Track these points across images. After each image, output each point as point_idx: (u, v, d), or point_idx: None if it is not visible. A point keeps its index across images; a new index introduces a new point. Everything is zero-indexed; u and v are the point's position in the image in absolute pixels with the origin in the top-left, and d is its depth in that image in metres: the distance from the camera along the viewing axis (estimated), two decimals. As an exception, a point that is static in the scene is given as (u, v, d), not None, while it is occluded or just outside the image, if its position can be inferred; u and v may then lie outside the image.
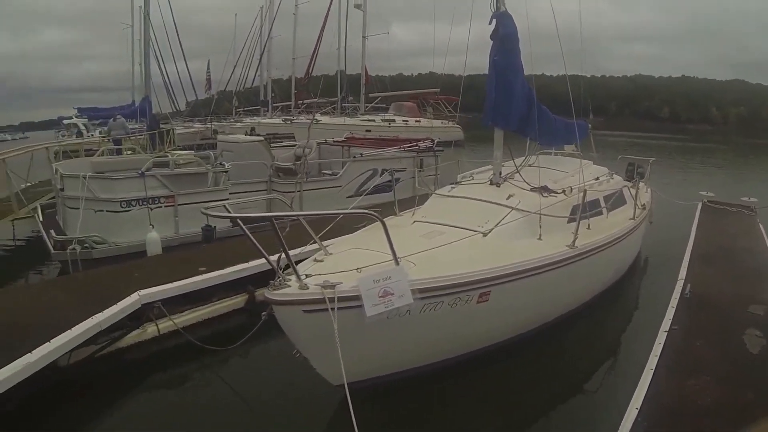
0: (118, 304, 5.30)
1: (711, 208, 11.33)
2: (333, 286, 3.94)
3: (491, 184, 6.99)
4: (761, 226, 9.83)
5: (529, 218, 5.83)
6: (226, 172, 8.53)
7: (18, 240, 10.25)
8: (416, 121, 22.69)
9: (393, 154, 11.74)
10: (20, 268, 8.89)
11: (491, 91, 6.79)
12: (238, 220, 3.73)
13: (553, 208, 6.07)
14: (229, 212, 3.94)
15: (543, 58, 7.22)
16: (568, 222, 6.09)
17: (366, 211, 4.14)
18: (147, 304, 5.58)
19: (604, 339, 6.40)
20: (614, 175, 8.39)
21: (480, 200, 6.37)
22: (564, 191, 6.63)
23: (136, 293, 5.53)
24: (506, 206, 6.05)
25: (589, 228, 6.26)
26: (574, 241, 5.64)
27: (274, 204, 8.07)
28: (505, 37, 6.58)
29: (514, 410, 4.89)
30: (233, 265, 6.48)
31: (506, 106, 6.85)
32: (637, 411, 3.73)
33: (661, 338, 4.87)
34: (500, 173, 7.10)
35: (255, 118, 30.49)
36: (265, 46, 31.71)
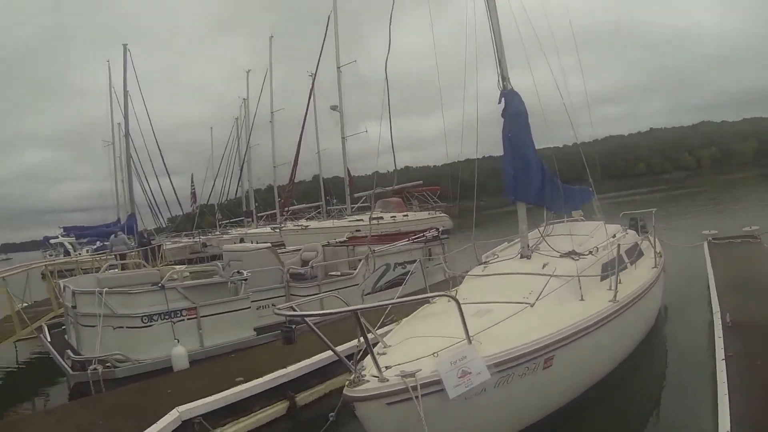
0: (158, 423, 4.81)
1: (717, 244, 11.62)
2: (413, 375, 3.87)
3: (522, 257, 7.08)
4: None
5: (568, 283, 5.96)
6: (245, 280, 8.34)
7: (21, 362, 9.71)
8: (404, 216, 22.81)
9: (404, 247, 11.74)
10: (30, 391, 8.29)
11: (509, 167, 7.09)
12: (306, 319, 3.87)
13: (586, 270, 6.25)
14: (296, 311, 3.93)
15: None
16: (602, 280, 6.33)
17: (443, 293, 4.16)
18: (187, 421, 5.08)
19: (660, 383, 6.40)
20: (628, 230, 8.64)
21: (518, 273, 6.44)
22: (591, 252, 6.83)
23: (174, 410, 5.05)
24: (545, 275, 6.12)
25: (620, 282, 6.31)
26: (615, 295, 5.86)
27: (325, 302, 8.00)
28: (515, 115, 7.03)
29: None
30: (270, 373, 6.11)
31: (524, 180, 7.14)
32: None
33: (722, 366, 5.03)
34: (528, 245, 7.18)
35: (240, 229, 30.63)
36: (244, 156, 32.69)
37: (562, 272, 6.11)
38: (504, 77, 7.15)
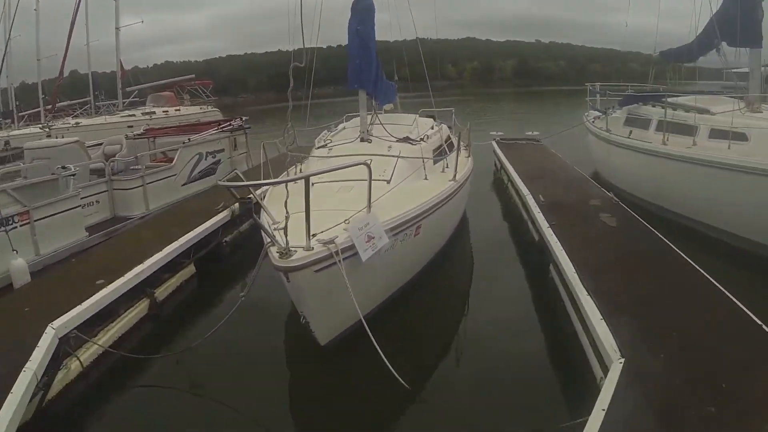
0: (38, 347, 4.14)
1: (504, 144, 13.82)
2: (333, 242, 4.25)
3: (362, 140, 7.69)
4: (552, 150, 12.77)
5: (412, 163, 6.81)
6: (74, 175, 7.09)
7: None
8: (176, 110, 21.63)
9: (214, 136, 11.44)
10: None
11: (356, 57, 7.42)
12: (251, 189, 3.99)
13: (423, 154, 7.12)
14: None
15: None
16: (435, 163, 7.33)
17: (362, 162, 4.48)
18: (63, 337, 4.53)
19: (494, 247, 8.27)
20: (442, 124, 9.93)
21: (371, 155, 6.81)
22: (422, 139, 7.76)
23: (48, 328, 4.40)
24: (393, 156, 6.85)
25: (448, 166, 7.53)
26: (455, 175, 6.90)
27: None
28: (365, 9, 7.30)
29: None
30: (129, 270, 5.75)
31: (367, 71, 7.61)
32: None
33: (550, 232, 6.37)
34: (368, 130, 7.85)
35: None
36: (6, 48, 24.91)
37: (406, 154, 6.95)
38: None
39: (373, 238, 4.53)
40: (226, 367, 5.01)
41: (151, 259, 6.12)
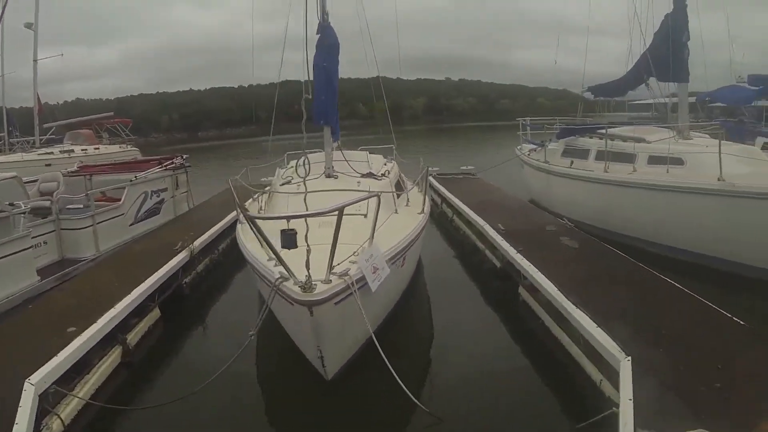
0: (21, 406, 3.71)
1: (442, 178, 14.17)
2: (347, 274, 4.31)
3: (328, 176, 7.73)
4: (491, 183, 13.23)
5: (384, 198, 6.95)
6: (24, 213, 6.40)
7: None
8: (95, 149, 20.53)
9: (158, 175, 10.97)
10: None
11: (321, 93, 7.54)
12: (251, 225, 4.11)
13: (386, 189, 7.27)
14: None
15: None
16: (398, 197, 7.45)
17: (376, 192, 4.51)
18: (42, 394, 4.05)
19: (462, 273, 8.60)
20: (393, 160, 10.05)
21: (341, 190, 6.91)
22: (384, 174, 8.00)
23: (25, 384, 3.91)
24: (364, 191, 6.97)
25: (408, 200, 7.70)
26: (423, 208, 7.19)
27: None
28: (331, 47, 7.50)
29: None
30: (99, 316, 5.28)
31: (332, 107, 7.78)
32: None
33: (520, 257, 6.71)
34: (332, 167, 7.89)
35: None
36: None
37: (377, 189, 6.94)
38: (324, 11, 7.51)
39: (378, 269, 4.62)
40: (231, 410, 4.75)
41: (121, 303, 5.68)
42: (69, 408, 4.34)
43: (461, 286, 8.06)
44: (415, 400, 4.31)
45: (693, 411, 3.36)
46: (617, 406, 3.66)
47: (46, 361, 4.29)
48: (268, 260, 4.75)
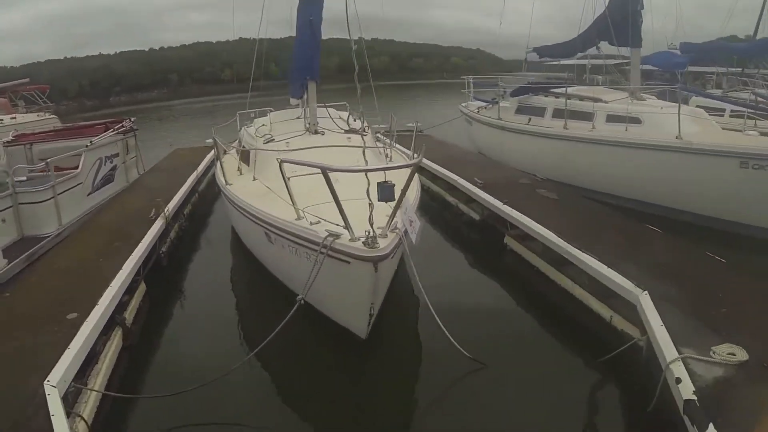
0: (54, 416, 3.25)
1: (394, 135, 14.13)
2: (396, 228, 4.35)
3: (316, 133, 7.51)
4: (442, 140, 13.20)
5: (375, 151, 7.04)
6: None
7: None
8: (12, 118, 18.12)
9: (110, 139, 10.06)
10: None
11: (308, 48, 7.26)
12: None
13: (370, 142, 7.37)
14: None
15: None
16: (374, 152, 7.29)
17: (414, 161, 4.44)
18: (65, 396, 3.60)
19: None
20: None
21: (336, 146, 6.88)
22: (364, 129, 7.92)
23: (44, 385, 3.46)
24: (357, 146, 6.77)
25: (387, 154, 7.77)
26: (415, 155, 6.96)
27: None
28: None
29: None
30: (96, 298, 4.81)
31: (318, 62, 7.53)
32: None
33: (506, 207, 7.08)
34: (317, 122, 7.68)
35: None
36: None
37: (365, 144, 6.92)
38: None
39: (413, 222, 4.67)
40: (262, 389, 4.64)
41: (115, 281, 5.23)
42: (89, 406, 3.87)
43: (442, 240, 8.32)
44: (460, 348, 4.56)
45: (713, 330, 3.87)
46: (633, 338, 4.18)
47: (58, 357, 3.82)
48: (296, 220, 4.63)
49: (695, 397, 3.19)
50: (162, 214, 7.23)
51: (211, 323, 5.82)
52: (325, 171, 3.89)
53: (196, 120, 30.44)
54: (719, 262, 5.28)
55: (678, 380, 3.39)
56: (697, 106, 9.63)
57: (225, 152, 8.39)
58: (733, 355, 3.51)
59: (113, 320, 4.96)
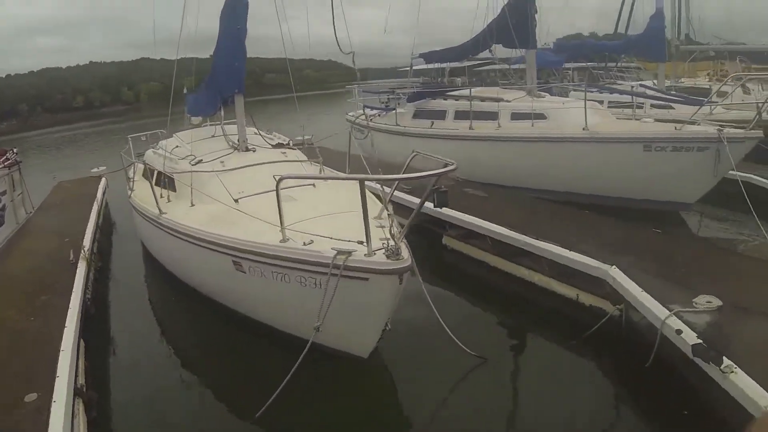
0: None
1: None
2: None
3: (247, 150, 7.18)
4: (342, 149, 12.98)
5: (306, 166, 7.05)
6: None
7: None
8: None
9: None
10: None
11: (234, 60, 6.86)
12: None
13: (303, 157, 7.39)
14: None
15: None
16: (312, 164, 7.39)
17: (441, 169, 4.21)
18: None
19: None
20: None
21: (274, 162, 6.72)
22: (289, 143, 7.99)
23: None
24: (297, 161, 7.01)
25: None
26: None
27: None
28: (242, 6, 6.76)
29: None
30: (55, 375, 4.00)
31: (243, 74, 7.12)
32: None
33: (447, 210, 7.00)
34: (246, 139, 7.35)
35: None
36: None
37: (299, 158, 7.17)
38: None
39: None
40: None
41: (64, 343, 4.41)
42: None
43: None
44: (463, 346, 4.74)
45: (685, 287, 4.55)
46: (606, 311, 4.75)
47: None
48: (281, 241, 4.31)
49: (700, 341, 3.73)
50: (82, 255, 6.22)
51: (171, 373, 5.15)
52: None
53: (61, 150, 27.95)
54: (657, 233, 6.22)
55: (679, 331, 3.93)
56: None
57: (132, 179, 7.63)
58: (710, 303, 4.22)
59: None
